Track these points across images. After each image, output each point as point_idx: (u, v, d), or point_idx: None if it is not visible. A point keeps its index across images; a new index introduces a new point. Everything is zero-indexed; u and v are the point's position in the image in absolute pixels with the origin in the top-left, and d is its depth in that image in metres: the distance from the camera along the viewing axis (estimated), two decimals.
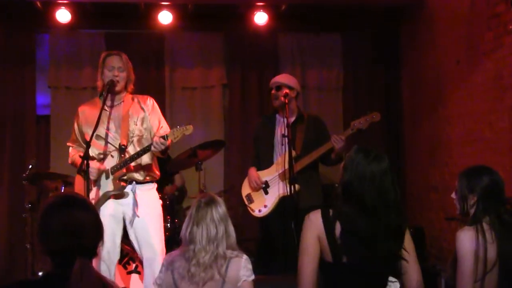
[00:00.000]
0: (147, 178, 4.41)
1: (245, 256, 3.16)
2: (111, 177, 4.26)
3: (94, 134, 4.11)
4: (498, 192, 3.15)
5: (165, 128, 4.41)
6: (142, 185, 4.38)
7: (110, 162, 4.29)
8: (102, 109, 4.20)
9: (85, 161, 3.94)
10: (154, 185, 4.51)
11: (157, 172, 4.53)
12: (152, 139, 4.30)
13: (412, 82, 7.20)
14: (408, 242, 2.75)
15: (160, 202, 4.55)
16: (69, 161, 4.49)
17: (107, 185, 4.28)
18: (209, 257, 3.04)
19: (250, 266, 3.14)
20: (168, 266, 3.15)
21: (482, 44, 5.43)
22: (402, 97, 7.44)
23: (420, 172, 6.88)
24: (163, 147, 4.12)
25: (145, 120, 4.42)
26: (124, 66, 4.38)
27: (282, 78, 5.33)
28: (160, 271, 3.20)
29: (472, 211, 3.16)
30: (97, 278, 2.25)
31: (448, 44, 6.15)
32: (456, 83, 5.97)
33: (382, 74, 7.48)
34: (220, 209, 3.15)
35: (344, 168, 2.72)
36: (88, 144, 4.01)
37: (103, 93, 4.36)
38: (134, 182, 4.33)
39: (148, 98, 4.55)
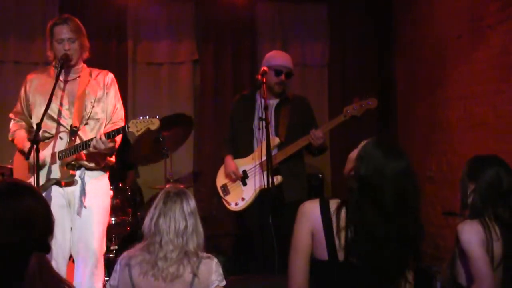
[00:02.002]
0: (99, 165, 4.36)
1: (215, 260, 3.22)
2: (58, 162, 4.18)
3: (46, 113, 4.04)
4: (498, 187, 3.18)
5: (118, 111, 4.41)
6: (93, 171, 4.33)
7: (58, 145, 4.21)
8: (56, 85, 4.13)
9: (35, 146, 3.85)
10: (106, 173, 4.46)
11: (112, 159, 4.48)
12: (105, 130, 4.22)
13: (407, 59, 7.20)
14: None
15: (111, 193, 4.50)
16: (10, 138, 4.41)
17: (54, 171, 4.20)
18: (178, 252, 3.08)
19: (221, 271, 3.20)
20: (125, 264, 3.14)
21: (486, 16, 5.42)
22: (396, 76, 7.44)
23: (415, 161, 6.77)
24: (103, 146, 4.05)
25: (103, 100, 4.38)
26: (75, 35, 4.30)
27: (284, 60, 5.18)
28: (115, 271, 3.19)
29: (469, 202, 3.22)
30: (57, 277, 2.19)
31: (448, 16, 6.14)
32: (456, 60, 5.96)
33: (374, 50, 7.48)
34: (191, 203, 3.20)
35: (359, 159, 2.64)
36: (38, 126, 3.93)
37: (56, 66, 4.31)
38: (83, 168, 4.28)
39: (108, 75, 4.51)
